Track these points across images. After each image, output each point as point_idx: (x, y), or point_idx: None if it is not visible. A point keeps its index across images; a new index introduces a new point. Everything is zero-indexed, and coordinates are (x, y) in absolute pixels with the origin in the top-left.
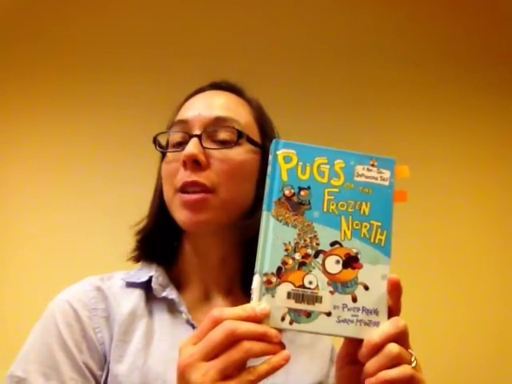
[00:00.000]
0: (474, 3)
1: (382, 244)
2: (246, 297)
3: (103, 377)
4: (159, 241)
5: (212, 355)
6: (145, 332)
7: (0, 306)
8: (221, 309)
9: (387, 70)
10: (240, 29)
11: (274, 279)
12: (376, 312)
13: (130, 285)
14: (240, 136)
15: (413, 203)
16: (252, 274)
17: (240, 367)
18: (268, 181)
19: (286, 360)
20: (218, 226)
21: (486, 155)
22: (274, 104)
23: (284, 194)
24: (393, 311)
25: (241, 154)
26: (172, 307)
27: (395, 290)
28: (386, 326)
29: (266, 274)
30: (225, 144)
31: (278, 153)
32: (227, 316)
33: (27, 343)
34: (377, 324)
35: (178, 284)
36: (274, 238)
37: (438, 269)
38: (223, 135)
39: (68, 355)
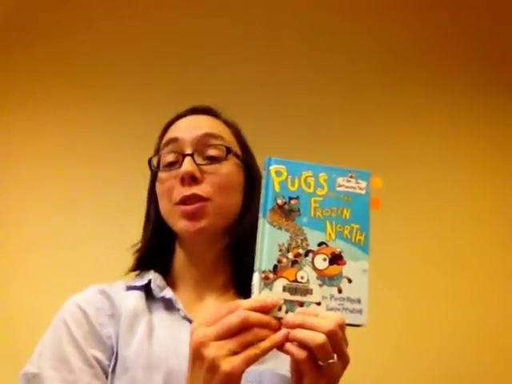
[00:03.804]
0: (472, 3)
1: (362, 243)
2: (237, 295)
3: (111, 366)
4: (156, 256)
5: (223, 337)
6: (146, 326)
7: (4, 311)
8: (237, 301)
9: (384, 71)
10: (237, 32)
11: (271, 275)
12: (358, 301)
13: (131, 288)
14: (228, 151)
15: (409, 206)
16: (241, 274)
17: (246, 347)
18: (263, 192)
19: (285, 336)
20: (214, 231)
21: (480, 156)
22: (278, 109)
23: (277, 203)
24: None
25: (228, 167)
26: (169, 305)
27: None
28: None
29: (264, 272)
30: (214, 159)
31: (270, 168)
32: (243, 306)
33: (39, 345)
34: (360, 311)
35: (173, 288)
36: (270, 240)
37: (435, 271)
38: (213, 152)
39: (77, 348)
